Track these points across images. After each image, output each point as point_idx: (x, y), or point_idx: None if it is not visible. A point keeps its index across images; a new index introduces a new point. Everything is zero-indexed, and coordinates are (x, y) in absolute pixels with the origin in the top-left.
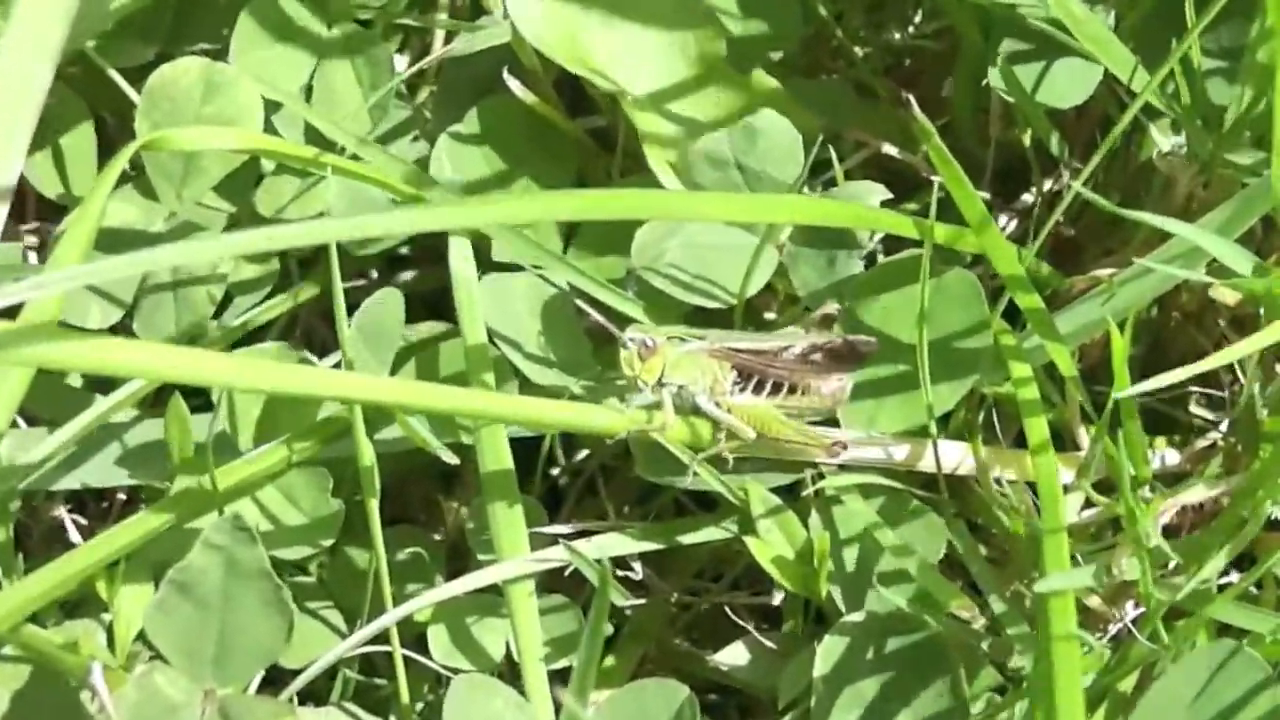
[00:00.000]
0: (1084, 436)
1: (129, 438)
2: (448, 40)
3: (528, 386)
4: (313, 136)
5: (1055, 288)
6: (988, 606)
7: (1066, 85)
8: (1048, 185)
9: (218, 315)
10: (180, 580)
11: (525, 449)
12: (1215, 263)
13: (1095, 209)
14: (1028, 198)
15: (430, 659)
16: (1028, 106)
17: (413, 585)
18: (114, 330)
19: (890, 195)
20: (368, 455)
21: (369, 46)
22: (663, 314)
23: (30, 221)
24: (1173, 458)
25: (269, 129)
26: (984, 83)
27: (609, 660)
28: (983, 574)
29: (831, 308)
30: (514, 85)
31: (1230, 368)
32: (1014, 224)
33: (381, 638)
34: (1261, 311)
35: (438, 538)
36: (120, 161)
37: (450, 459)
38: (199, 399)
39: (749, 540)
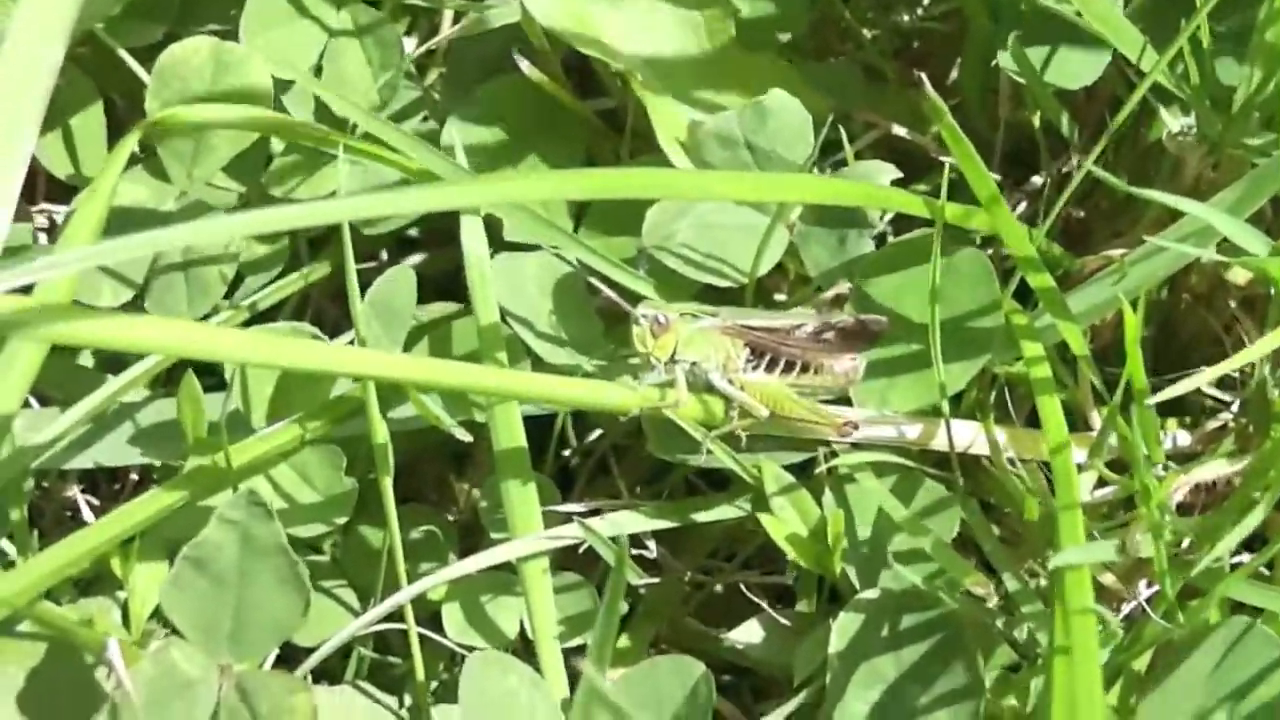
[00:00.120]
0: (1095, 417)
1: (141, 417)
2: (455, 21)
3: (539, 365)
4: (322, 117)
5: (1066, 268)
6: (1000, 585)
7: (1076, 66)
8: (1056, 167)
9: (228, 296)
10: (196, 556)
11: (536, 429)
12: (1225, 243)
13: (1104, 191)
14: (1036, 179)
15: (444, 637)
16: (1038, 88)
17: (426, 564)
18: (125, 310)
19: (900, 175)
20: (381, 433)
21: (378, 27)
22: (674, 293)
23: (40, 202)
24: (1184, 438)
25: (279, 109)
26: (993, 64)
27: (623, 639)
28: (996, 552)
29: (843, 287)
30: (523, 65)
31: (1241, 347)
32: (1023, 205)
33: (395, 616)
34: (1272, 292)
35: (450, 517)
36: (132, 140)
37: (464, 436)
38: (210, 379)
39: (763, 518)
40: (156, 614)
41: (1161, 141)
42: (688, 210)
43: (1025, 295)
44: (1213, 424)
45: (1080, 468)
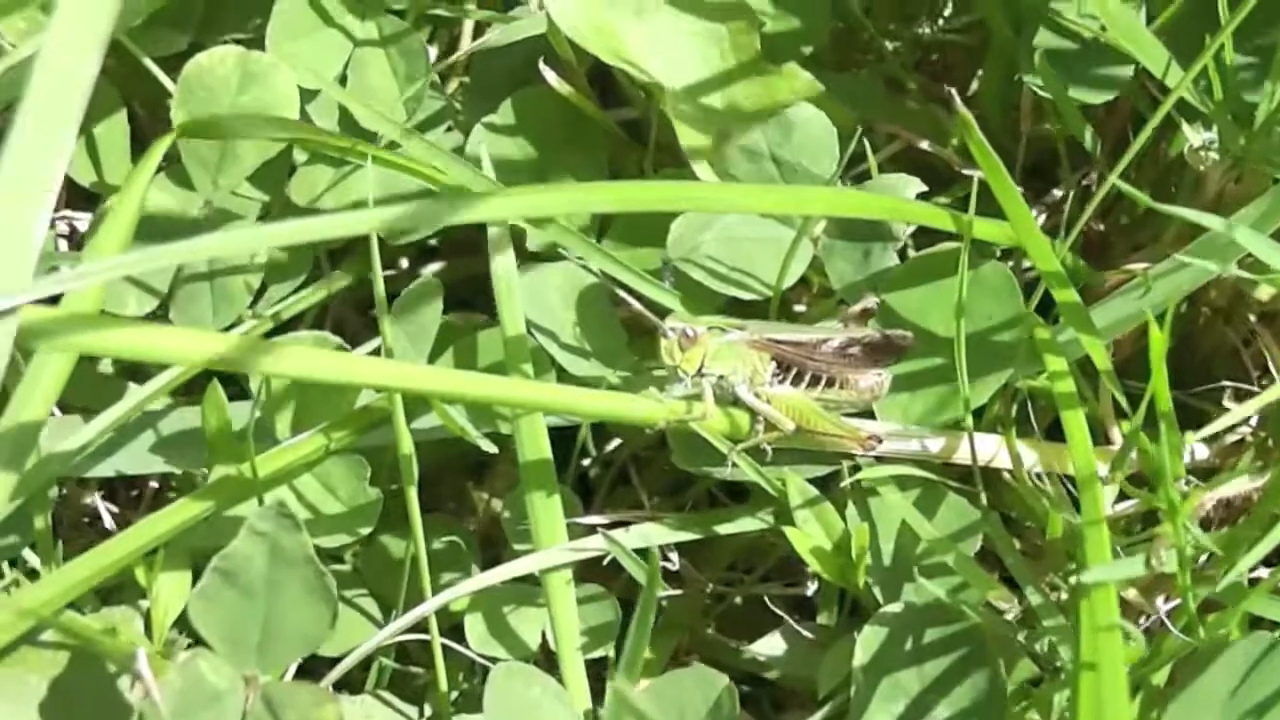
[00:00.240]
0: (1115, 431)
1: (163, 426)
2: (476, 31)
3: (563, 377)
4: (346, 126)
5: (1087, 283)
6: (1022, 599)
7: (1099, 80)
8: (1075, 180)
9: (250, 305)
10: (224, 567)
11: (556, 440)
12: (1247, 259)
13: (1124, 205)
14: (1056, 193)
15: (465, 647)
16: (1063, 102)
17: (448, 574)
18: (150, 319)
19: (925, 188)
20: (407, 444)
21: (403, 37)
22: (698, 305)
23: (60, 210)
24: (1202, 452)
25: (304, 119)
26: (1016, 77)
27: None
28: (1017, 566)
29: (870, 301)
30: (550, 76)
31: (1261, 362)
32: (1042, 218)
33: (416, 626)
34: None
35: (470, 529)
36: (161, 147)
37: (489, 448)
38: (231, 388)
39: (788, 530)
40: (177, 623)
41: (1182, 156)
42: (713, 222)
43: (1044, 309)
44: (1231, 438)
45: (1101, 482)
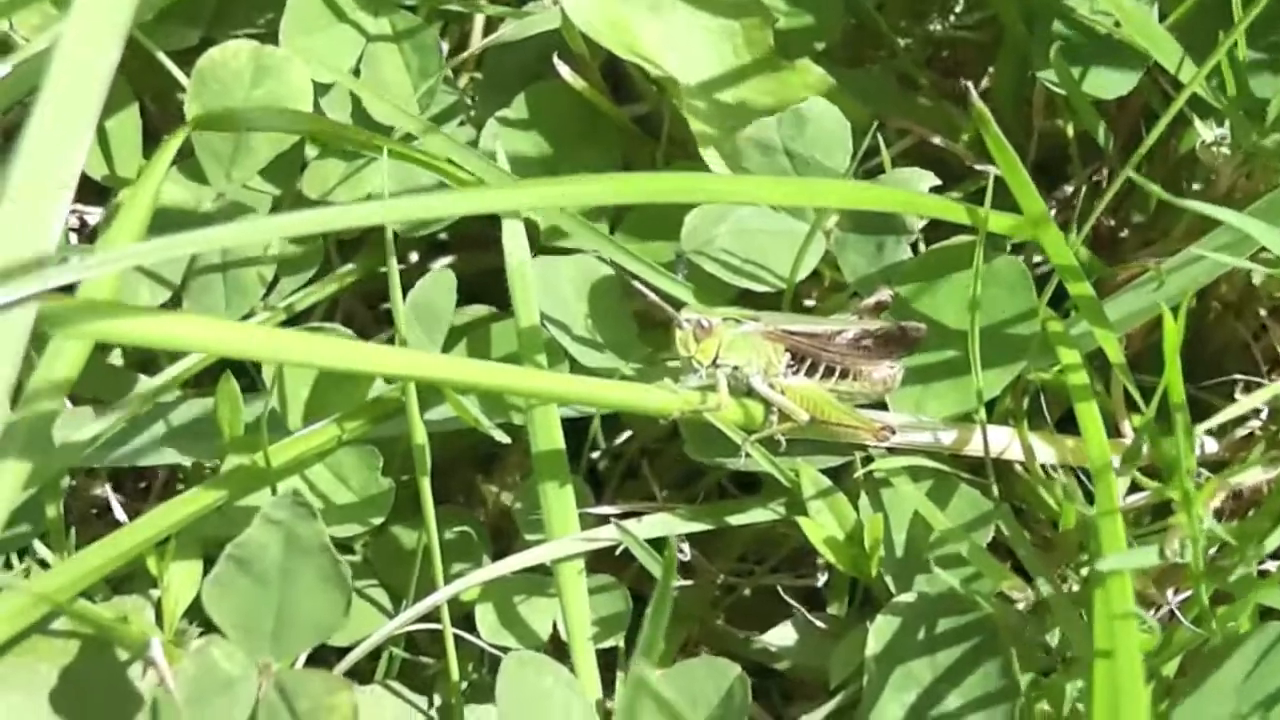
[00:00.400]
0: (1127, 425)
1: (174, 417)
2: (488, 25)
3: (576, 368)
4: (359, 122)
5: (1100, 276)
6: (1033, 590)
7: (1111, 76)
8: (1087, 175)
9: (262, 298)
10: (239, 555)
11: (566, 433)
12: (1260, 253)
13: (1134, 201)
14: (1067, 188)
15: (475, 637)
16: (1077, 98)
17: (459, 564)
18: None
19: (939, 182)
20: (421, 434)
21: (416, 32)
22: (711, 298)
23: (71, 203)
24: (1211, 446)
25: (317, 113)
26: (1029, 73)
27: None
28: (1029, 557)
29: (884, 294)
30: (564, 70)
31: (1271, 356)
32: (1054, 214)
33: (425, 617)
34: None
35: (480, 520)
36: (176, 140)
37: (502, 438)
38: (241, 381)
39: (802, 521)
40: (188, 613)
41: (1193, 152)
42: (726, 215)
43: (1054, 303)
44: (1240, 432)
45: (1114, 473)
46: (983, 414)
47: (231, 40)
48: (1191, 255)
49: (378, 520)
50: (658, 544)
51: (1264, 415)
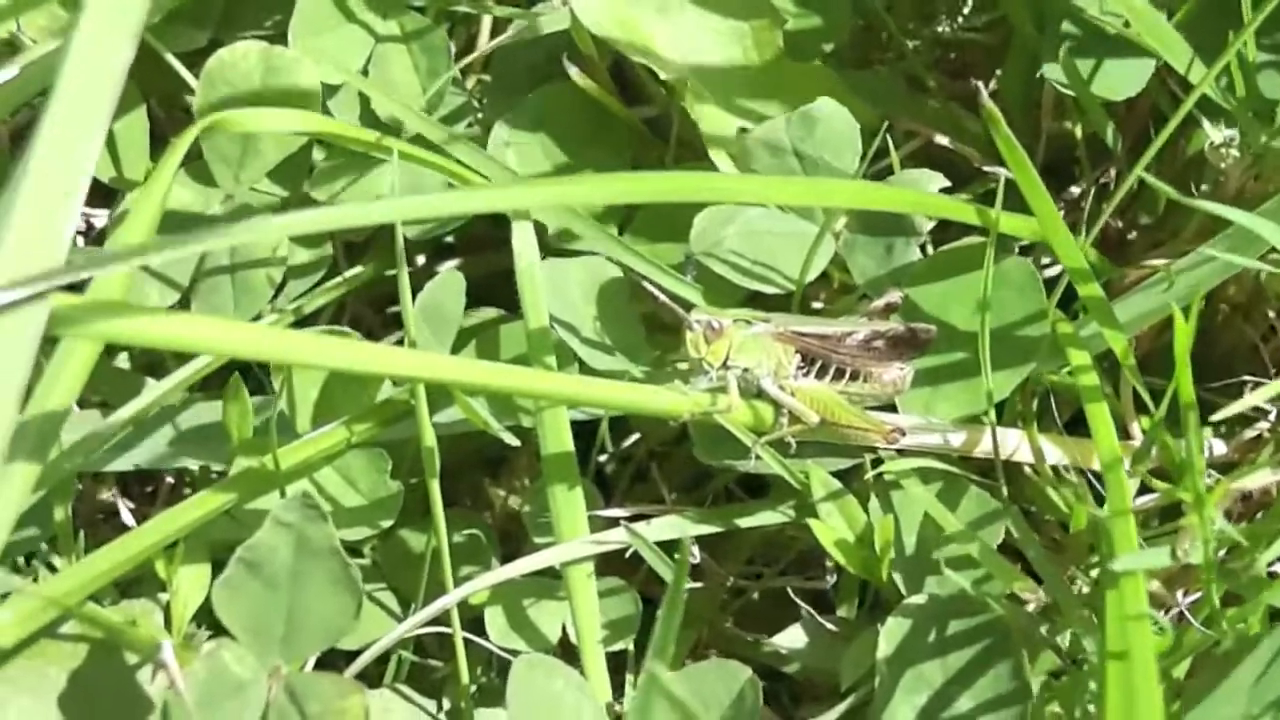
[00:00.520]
0: (1135, 427)
1: (181, 420)
2: (495, 26)
3: (585, 370)
4: (368, 124)
5: (1109, 278)
6: (1045, 591)
7: (1120, 77)
8: (1095, 177)
9: (270, 301)
10: (249, 558)
11: (574, 435)
12: (1270, 254)
13: (1143, 203)
14: (1074, 189)
15: (484, 640)
16: (1087, 99)
17: (468, 568)
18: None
19: (948, 183)
20: (430, 436)
21: (425, 33)
22: (719, 299)
23: None
24: (1219, 448)
25: (325, 114)
26: (1038, 75)
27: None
28: (1039, 559)
29: (894, 296)
30: (573, 71)
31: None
32: (1062, 215)
33: (435, 619)
34: None
35: (487, 524)
36: (186, 140)
37: (512, 441)
38: (248, 384)
39: (812, 523)
40: (195, 617)
41: (1201, 154)
42: (735, 217)
43: (1063, 305)
44: (1249, 434)
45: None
46: (992, 416)
47: (240, 41)
48: (1202, 256)
49: (386, 523)
50: (667, 547)
51: (1272, 417)
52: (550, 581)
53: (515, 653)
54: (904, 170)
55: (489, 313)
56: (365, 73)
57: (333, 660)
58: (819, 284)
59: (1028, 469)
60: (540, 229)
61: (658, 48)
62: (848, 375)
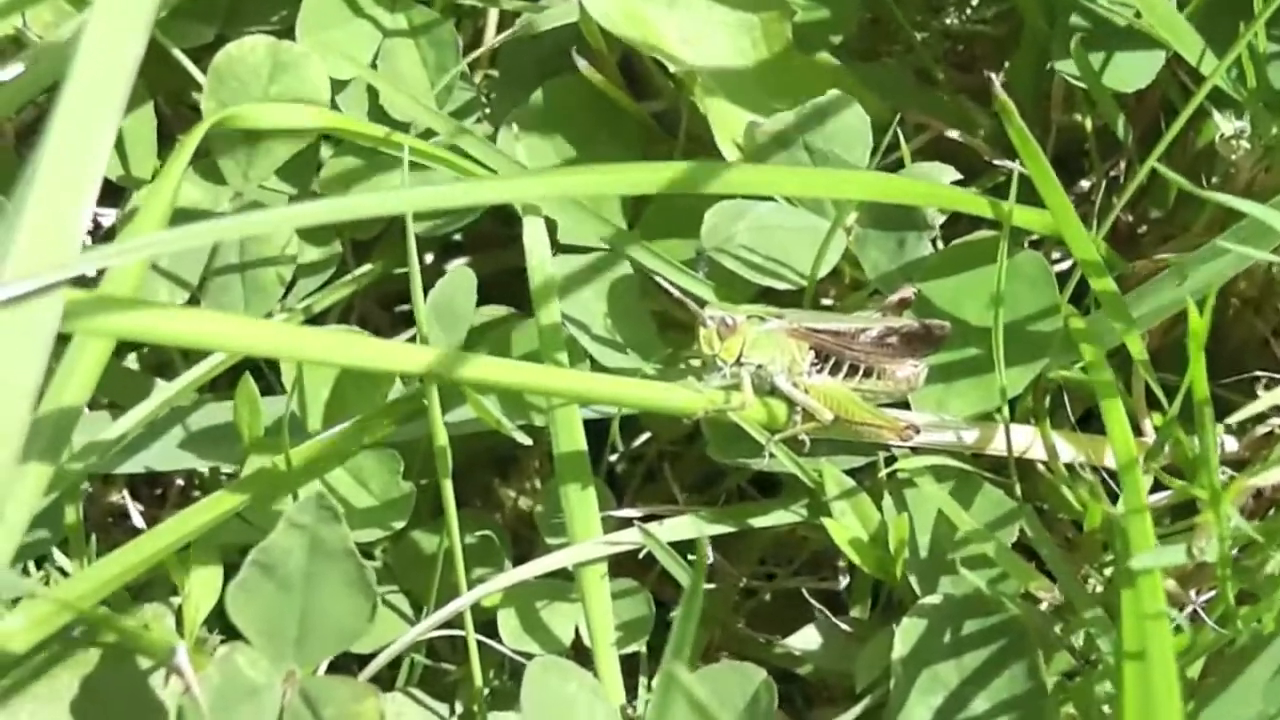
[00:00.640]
0: (1148, 423)
1: (192, 421)
2: (502, 20)
3: (596, 368)
4: (375, 117)
5: (1120, 272)
6: (1060, 590)
7: (1131, 69)
8: (1105, 170)
9: (280, 299)
10: (263, 560)
11: (585, 435)
12: None
13: (1153, 196)
14: (1084, 183)
15: (497, 642)
16: (1098, 91)
17: (480, 569)
18: None
19: (960, 176)
20: (442, 435)
21: (433, 28)
22: (731, 295)
23: None
24: (1231, 445)
25: (333, 110)
26: (1048, 67)
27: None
28: (1054, 558)
29: (907, 291)
30: (582, 65)
31: None
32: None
33: (447, 622)
34: None
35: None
36: (196, 136)
37: (524, 440)
38: (258, 384)
39: (826, 522)
40: (207, 621)
41: (1211, 146)
42: (746, 212)
43: (1074, 300)
44: (1261, 430)
45: None
46: (1006, 412)
47: (247, 36)
48: (1214, 248)
49: (399, 525)
50: (680, 547)
51: None
52: (563, 583)
53: (528, 655)
54: (914, 164)
55: (497, 311)
56: (374, 67)
57: (345, 664)
58: (830, 280)
59: (1040, 466)
60: (550, 226)
61: (666, 41)
62: (861, 372)
